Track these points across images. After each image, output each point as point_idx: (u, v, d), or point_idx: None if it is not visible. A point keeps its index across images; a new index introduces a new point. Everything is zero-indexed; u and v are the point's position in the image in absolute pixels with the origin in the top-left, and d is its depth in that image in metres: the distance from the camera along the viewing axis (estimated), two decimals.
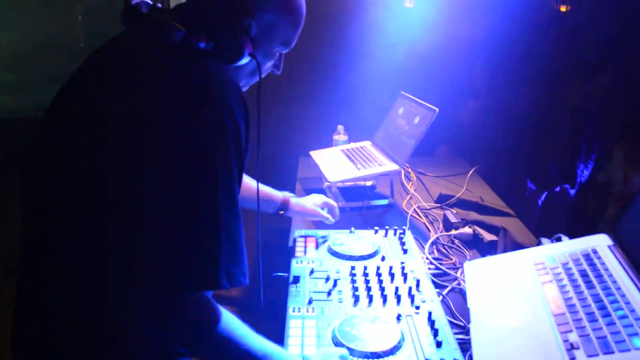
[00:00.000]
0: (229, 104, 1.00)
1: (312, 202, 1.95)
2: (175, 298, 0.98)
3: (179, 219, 0.95)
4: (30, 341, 1.08)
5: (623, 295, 1.21)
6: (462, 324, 1.46)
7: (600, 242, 1.44)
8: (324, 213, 1.94)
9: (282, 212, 1.89)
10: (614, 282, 1.26)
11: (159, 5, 1.11)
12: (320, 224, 2.03)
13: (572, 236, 1.59)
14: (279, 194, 1.89)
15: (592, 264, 1.36)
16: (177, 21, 1.06)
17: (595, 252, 1.41)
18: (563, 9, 4.66)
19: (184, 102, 0.97)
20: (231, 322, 1.05)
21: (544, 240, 1.65)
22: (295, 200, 1.92)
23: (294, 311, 1.43)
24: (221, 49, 1.07)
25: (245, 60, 1.11)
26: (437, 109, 2.22)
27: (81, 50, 3.28)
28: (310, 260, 1.71)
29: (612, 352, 1.06)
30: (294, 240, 1.85)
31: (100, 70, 1.10)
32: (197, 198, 0.96)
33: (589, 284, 1.29)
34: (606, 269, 1.32)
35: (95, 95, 1.04)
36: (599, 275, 1.31)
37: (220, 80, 1.02)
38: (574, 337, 1.14)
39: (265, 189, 1.86)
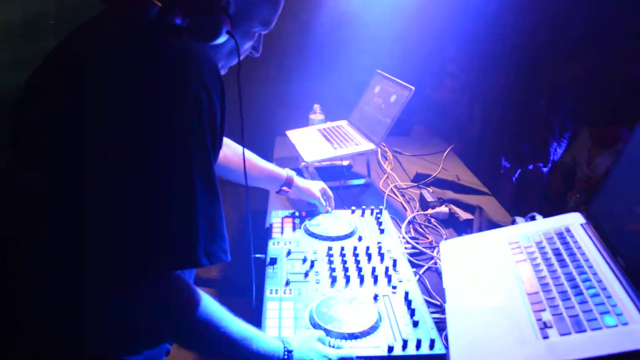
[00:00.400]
0: (205, 83, 0.98)
1: (316, 187, 1.93)
2: (154, 279, 0.97)
3: (155, 199, 0.94)
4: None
5: (595, 274, 1.23)
6: (438, 303, 1.48)
7: (574, 221, 1.46)
8: (322, 199, 1.92)
9: (285, 188, 1.87)
10: (587, 260, 1.28)
11: None
12: (297, 205, 2.03)
13: (546, 213, 1.61)
14: (282, 171, 1.87)
15: (565, 243, 1.38)
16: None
17: (568, 230, 1.42)
18: None
19: (158, 81, 0.95)
20: (210, 305, 1.04)
21: (518, 219, 1.66)
22: (299, 179, 1.90)
23: (271, 293, 1.43)
24: (198, 26, 1.05)
25: (223, 38, 1.09)
26: (413, 88, 2.21)
27: (51, 28, 3.17)
28: (287, 241, 1.71)
29: (584, 331, 1.08)
30: (271, 220, 1.85)
31: (77, 52, 1.06)
32: (172, 177, 0.95)
33: (562, 263, 1.31)
34: (579, 248, 1.34)
35: (72, 78, 1.02)
36: (572, 254, 1.33)
37: (196, 59, 0.99)
38: (547, 315, 1.16)
39: (268, 166, 1.86)
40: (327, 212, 1.93)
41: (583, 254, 1.31)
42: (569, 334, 1.09)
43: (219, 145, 1.05)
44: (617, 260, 1.26)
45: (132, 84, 0.95)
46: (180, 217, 0.96)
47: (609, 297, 1.14)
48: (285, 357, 1.13)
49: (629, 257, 1.23)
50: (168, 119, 0.95)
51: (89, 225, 0.97)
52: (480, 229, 1.89)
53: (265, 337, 1.14)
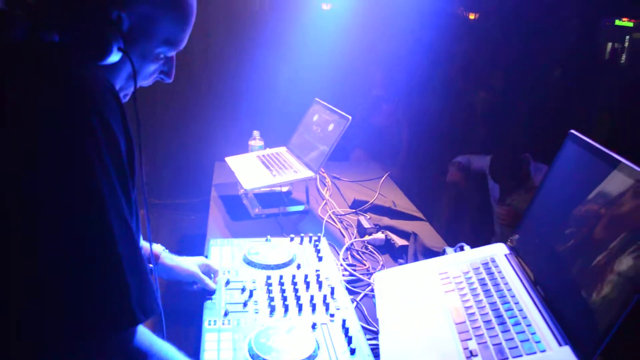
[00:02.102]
0: (99, 109, 0.87)
1: (193, 261, 1.66)
2: (100, 344, 0.88)
3: (77, 260, 0.85)
4: None
5: (517, 303, 1.31)
6: (375, 329, 1.52)
7: (499, 251, 1.55)
8: (205, 277, 1.62)
9: (150, 265, 1.48)
10: (509, 290, 1.37)
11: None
12: (237, 232, 2.04)
13: (476, 240, 1.69)
14: (146, 245, 1.49)
15: (490, 273, 1.46)
16: (33, 15, 0.93)
17: (493, 260, 1.51)
18: (471, 16, 4.89)
19: (40, 116, 0.83)
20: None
21: (447, 249, 1.74)
22: (168, 256, 1.64)
23: (209, 324, 1.43)
24: (83, 43, 0.95)
25: (115, 57, 0.98)
26: (350, 117, 2.28)
27: None
28: (225, 270, 1.71)
29: (507, 359, 1.15)
30: (210, 249, 1.85)
31: None
32: (88, 230, 0.86)
33: (487, 293, 1.39)
34: (502, 278, 1.42)
35: None
36: (496, 284, 1.41)
37: (83, 83, 0.87)
38: (473, 344, 1.23)
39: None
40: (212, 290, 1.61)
41: (506, 283, 1.39)
42: None
43: (129, 176, 0.94)
44: (537, 290, 1.35)
45: (17, 124, 0.83)
46: (108, 273, 0.87)
47: (529, 325, 1.23)
48: None
49: (547, 287, 1.32)
50: (63, 169, 0.84)
51: (17, 292, 0.85)
52: (415, 255, 1.96)
53: None
